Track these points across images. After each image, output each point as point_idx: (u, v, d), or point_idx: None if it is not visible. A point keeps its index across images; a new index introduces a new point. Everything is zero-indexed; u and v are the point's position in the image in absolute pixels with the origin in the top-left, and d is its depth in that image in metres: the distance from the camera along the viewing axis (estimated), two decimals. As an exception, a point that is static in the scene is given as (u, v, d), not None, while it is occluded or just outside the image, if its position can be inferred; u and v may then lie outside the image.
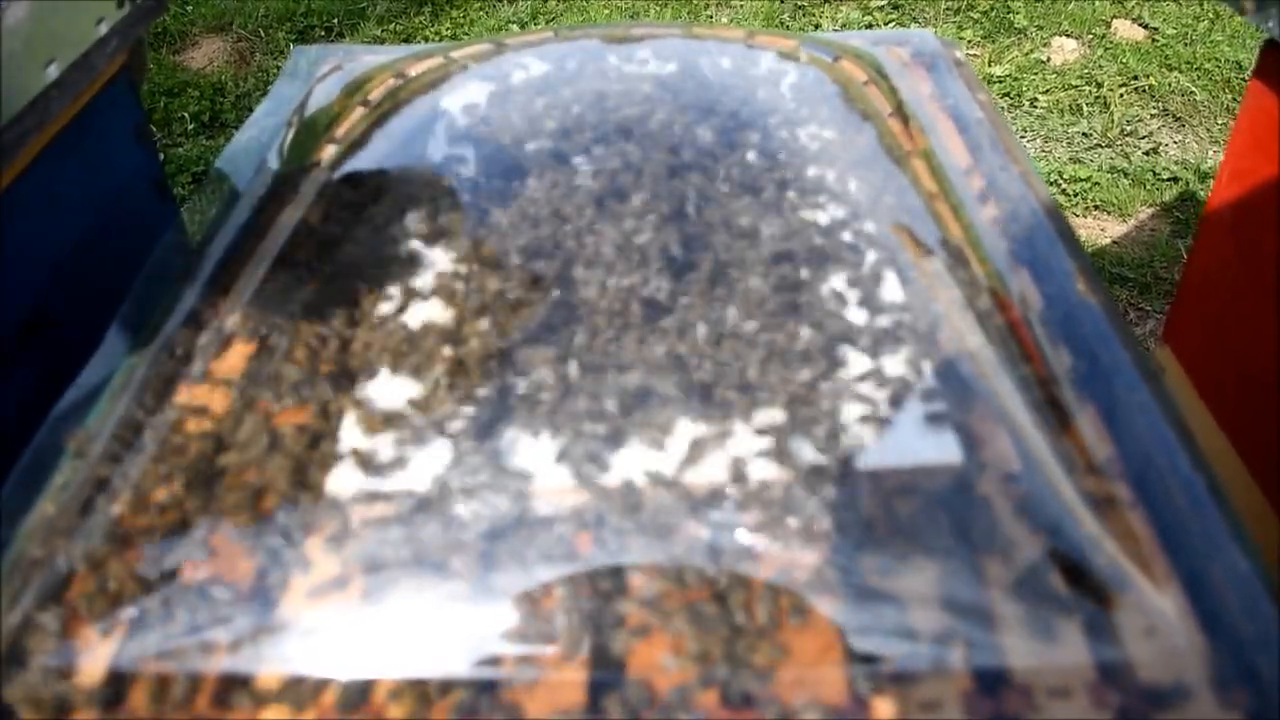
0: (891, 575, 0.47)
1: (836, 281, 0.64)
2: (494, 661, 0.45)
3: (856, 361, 0.59)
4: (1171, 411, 0.55)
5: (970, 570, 0.47)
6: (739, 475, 0.53)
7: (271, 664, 0.46)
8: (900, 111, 0.84)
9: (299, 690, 0.45)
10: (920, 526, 0.49)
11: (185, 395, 0.60)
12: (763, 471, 0.53)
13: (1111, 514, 0.50)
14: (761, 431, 0.55)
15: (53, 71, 0.74)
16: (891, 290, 0.64)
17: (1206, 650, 0.43)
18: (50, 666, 0.46)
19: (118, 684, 0.45)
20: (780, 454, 0.54)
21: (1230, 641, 0.44)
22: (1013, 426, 0.54)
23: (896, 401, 0.56)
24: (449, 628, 0.47)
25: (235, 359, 0.62)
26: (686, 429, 0.55)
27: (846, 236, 0.68)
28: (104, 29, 0.81)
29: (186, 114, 2.43)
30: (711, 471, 0.53)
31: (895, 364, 0.58)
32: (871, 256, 0.66)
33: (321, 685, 0.45)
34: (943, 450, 0.53)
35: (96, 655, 0.46)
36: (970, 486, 0.51)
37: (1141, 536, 0.48)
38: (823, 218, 0.70)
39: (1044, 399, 0.56)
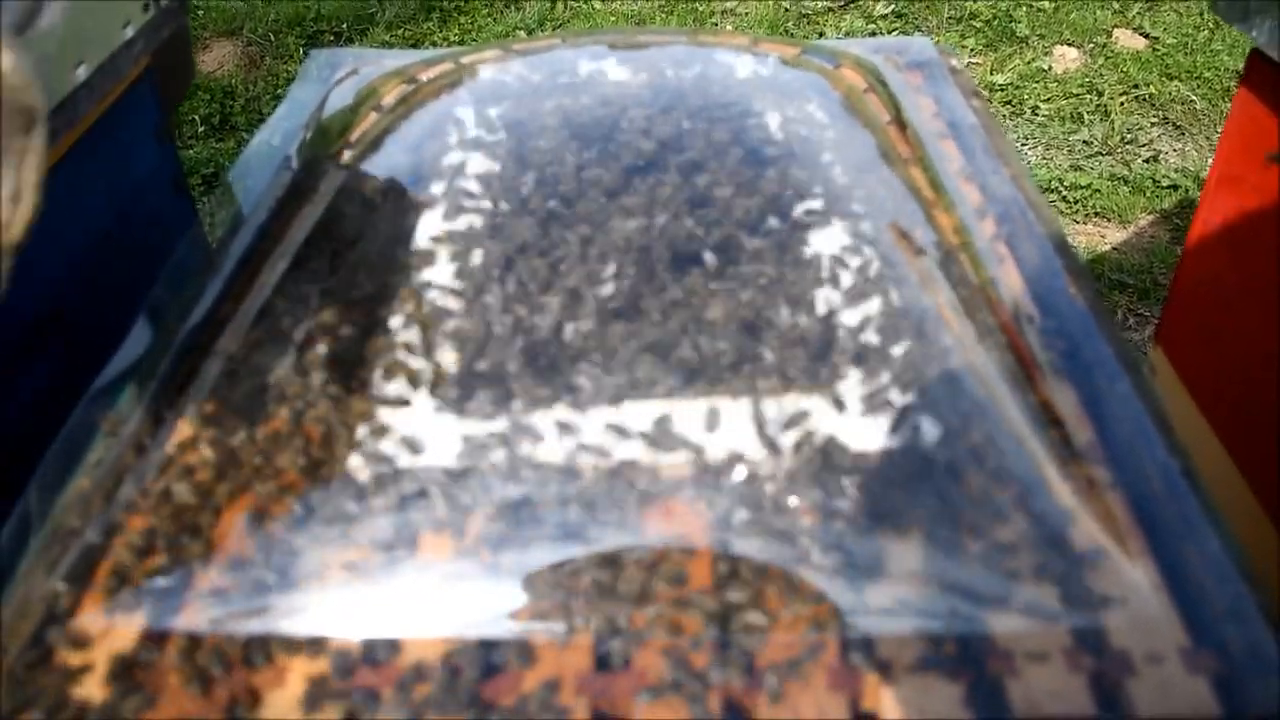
0: (875, 549, 0.50)
1: (831, 277, 0.67)
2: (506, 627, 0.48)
3: (845, 350, 0.61)
4: (1151, 401, 0.57)
5: (955, 544, 0.50)
6: (724, 455, 0.55)
7: (302, 628, 0.48)
8: (898, 118, 0.87)
9: (327, 652, 0.47)
10: (909, 503, 0.52)
11: (207, 383, 0.62)
12: (746, 452, 0.55)
13: (1091, 494, 0.52)
14: (748, 413, 0.57)
15: (81, 73, 0.77)
16: (884, 287, 0.66)
17: (1176, 619, 0.46)
18: (87, 631, 0.48)
19: (152, 647, 0.48)
20: (767, 434, 0.56)
21: (1199, 611, 0.46)
22: (998, 413, 0.57)
23: (884, 387, 0.59)
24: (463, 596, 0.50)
25: (257, 352, 0.65)
26: (675, 409, 0.58)
27: (841, 236, 0.71)
28: (130, 32, 0.84)
29: (197, 117, 2.46)
30: (697, 451, 0.56)
31: (884, 354, 0.61)
32: (865, 254, 0.69)
33: (350, 647, 0.47)
34: (934, 433, 0.56)
35: (131, 620, 0.49)
36: (958, 468, 0.54)
37: (1118, 515, 0.51)
38: (819, 219, 0.72)
39: (1029, 388, 0.59)
